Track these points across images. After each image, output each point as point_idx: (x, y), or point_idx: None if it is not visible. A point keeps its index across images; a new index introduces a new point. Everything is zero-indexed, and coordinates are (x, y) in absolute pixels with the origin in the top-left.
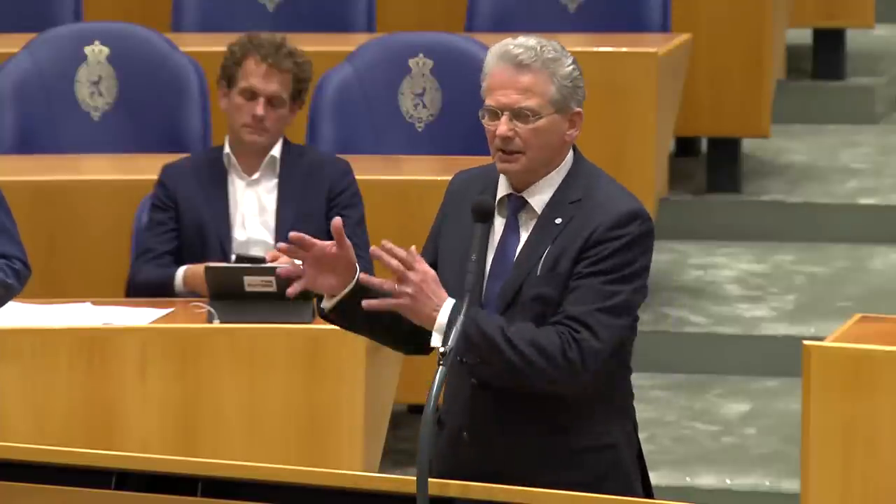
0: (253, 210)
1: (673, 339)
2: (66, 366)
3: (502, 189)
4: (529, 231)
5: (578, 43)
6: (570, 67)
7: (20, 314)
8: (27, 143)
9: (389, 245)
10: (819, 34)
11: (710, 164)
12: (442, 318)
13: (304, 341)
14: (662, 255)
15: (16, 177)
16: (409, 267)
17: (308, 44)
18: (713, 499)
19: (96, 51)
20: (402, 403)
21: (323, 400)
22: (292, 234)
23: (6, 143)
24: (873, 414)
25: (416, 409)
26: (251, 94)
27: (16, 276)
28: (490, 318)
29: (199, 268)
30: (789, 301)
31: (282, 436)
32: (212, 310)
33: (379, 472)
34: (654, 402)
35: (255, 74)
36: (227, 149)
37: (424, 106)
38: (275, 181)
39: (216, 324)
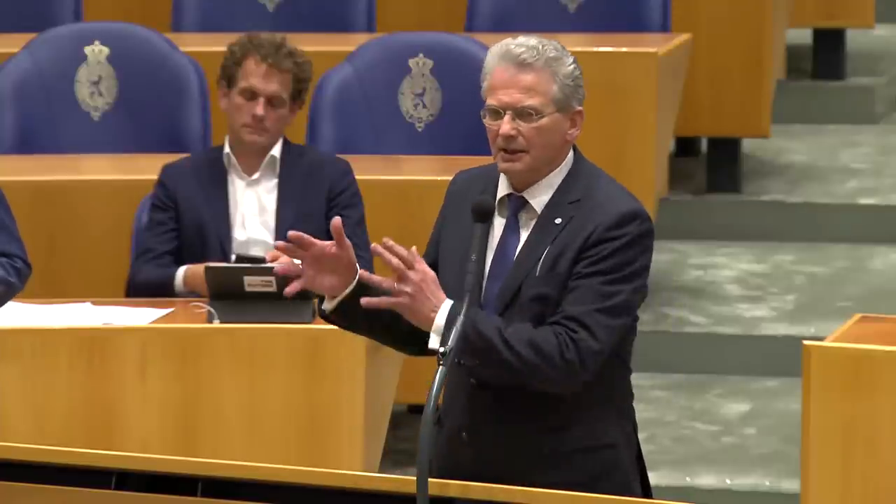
0: (253, 210)
1: (673, 339)
2: (66, 366)
3: (502, 189)
4: (529, 231)
5: (578, 43)
6: (572, 66)
7: (20, 314)
8: (27, 143)
9: (391, 243)
10: (819, 34)
11: (710, 164)
12: (440, 319)
13: (304, 341)
14: (662, 255)
15: (16, 177)
16: (410, 266)
17: (308, 44)
18: (713, 499)
19: (96, 51)
20: (402, 403)
21: (323, 400)
22: (291, 232)
23: (6, 143)
24: (873, 414)
25: (416, 409)
26: (251, 94)
27: (17, 274)
28: (488, 319)
29: (199, 268)
30: (789, 301)
31: (282, 436)
32: (212, 310)
33: (379, 472)
34: (654, 402)
35: (255, 74)
36: (227, 149)
37: (424, 106)
38: (275, 181)
39: (216, 324)
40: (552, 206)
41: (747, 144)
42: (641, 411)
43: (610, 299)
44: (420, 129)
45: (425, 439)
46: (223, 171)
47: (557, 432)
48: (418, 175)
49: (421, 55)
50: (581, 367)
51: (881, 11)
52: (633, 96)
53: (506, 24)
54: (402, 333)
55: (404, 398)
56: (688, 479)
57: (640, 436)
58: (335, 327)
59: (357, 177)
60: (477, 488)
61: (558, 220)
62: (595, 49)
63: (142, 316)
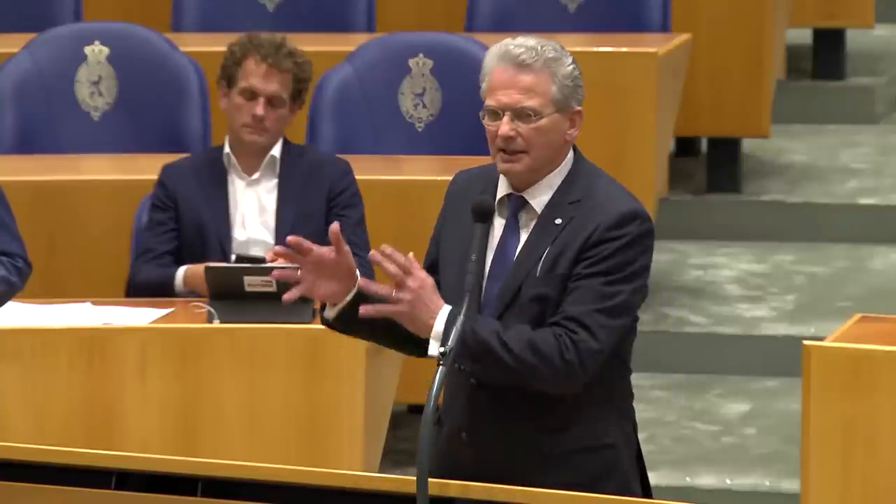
0: (253, 210)
1: (673, 339)
2: (66, 366)
3: (502, 189)
4: (529, 231)
5: (578, 43)
6: (571, 67)
7: (20, 314)
8: (27, 143)
9: (389, 250)
10: (819, 34)
11: (710, 164)
12: (438, 325)
13: (304, 341)
14: (662, 255)
15: (16, 177)
16: (408, 272)
17: (308, 44)
18: (713, 499)
19: (96, 51)
20: (402, 403)
21: (323, 400)
22: (290, 238)
23: (6, 143)
24: (873, 414)
25: (416, 409)
26: (251, 94)
27: (18, 273)
28: (486, 323)
29: (199, 268)
30: (789, 301)
31: (282, 436)
32: (212, 310)
33: (379, 472)
34: (654, 402)
35: (255, 74)
36: (227, 149)
37: (424, 106)
38: (275, 181)
39: (216, 324)
40: (552, 207)
41: (747, 144)
42: (641, 411)
43: (610, 300)
44: (420, 129)
45: (425, 439)
46: (223, 171)
47: (557, 432)
48: (418, 175)
49: (421, 55)
50: (581, 367)
51: (881, 11)
52: (633, 96)
53: (506, 24)
54: (405, 336)
55: (404, 398)
56: (688, 479)
57: (640, 436)
58: None
59: (357, 177)
60: (477, 488)
61: (558, 221)
62: (595, 49)
63: (142, 316)
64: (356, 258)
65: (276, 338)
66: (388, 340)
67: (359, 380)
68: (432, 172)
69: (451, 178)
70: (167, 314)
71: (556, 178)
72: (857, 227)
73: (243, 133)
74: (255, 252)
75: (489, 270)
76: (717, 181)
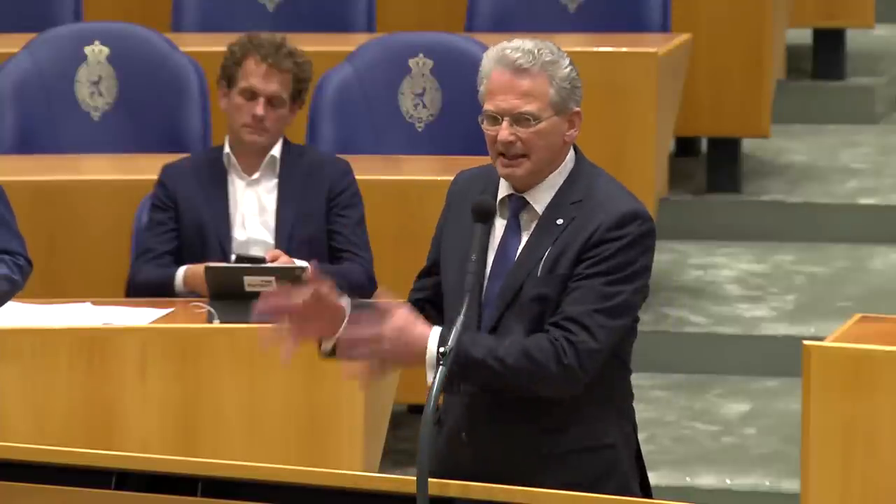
0: (253, 210)
1: (673, 339)
2: (66, 366)
3: (503, 190)
4: (530, 232)
5: (578, 43)
6: (568, 69)
7: (20, 314)
8: (27, 143)
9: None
10: (819, 34)
11: (710, 164)
12: (430, 353)
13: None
14: (662, 255)
15: (16, 177)
16: (374, 340)
17: (308, 44)
18: (713, 499)
19: (96, 51)
20: (402, 403)
21: (323, 400)
22: (261, 305)
23: (6, 143)
24: (873, 414)
25: (416, 409)
26: (251, 94)
27: (20, 272)
28: (478, 341)
29: (199, 268)
30: (789, 301)
31: (282, 436)
32: (212, 310)
33: (379, 472)
34: (654, 402)
35: (255, 74)
36: (227, 149)
37: (424, 106)
38: (275, 181)
39: (216, 324)
40: (553, 207)
41: (747, 144)
42: (641, 411)
43: (610, 300)
44: (420, 129)
45: (425, 439)
46: (223, 171)
47: (557, 433)
48: (418, 175)
49: (421, 55)
50: (581, 369)
51: (881, 11)
52: (633, 96)
53: (506, 24)
54: None
55: (404, 398)
56: (688, 479)
57: (640, 436)
58: None
59: (357, 177)
60: (477, 488)
61: (560, 221)
62: (595, 49)
63: (142, 316)
64: (355, 258)
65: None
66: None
67: None
68: (432, 172)
69: (451, 178)
70: (167, 314)
71: (557, 178)
72: (857, 227)
73: (243, 133)
74: (255, 252)
75: (490, 270)
76: (717, 181)
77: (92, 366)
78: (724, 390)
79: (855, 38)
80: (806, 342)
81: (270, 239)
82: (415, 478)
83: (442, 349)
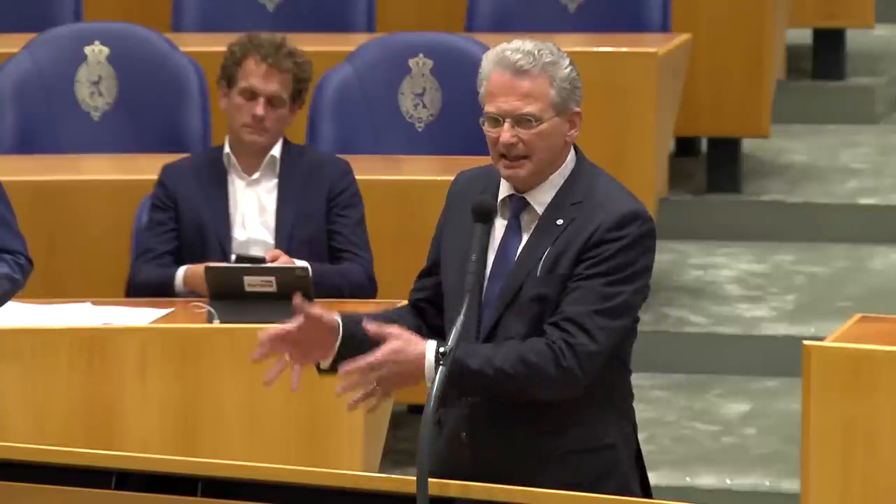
0: (253, 210)
1: (673, 339)
2: (66, 366)
3: (504, 190)
4: (531, 232)
5: (578, 43)
6: (568, 69)
7: (20, 314)
8: (27, 143)
9: (346, 367)
10: (819, 34)
11: (710, 164)
12: (429, 367)
13: None
14: (662, 255)
15: (16, 177)
16: (372, 366)
17: (308, 44)
18: (713, 499)
19: (96, 51)
20: (402, 403)
21: (323, 400)
22: (262, 335)
23: (6, 143)
24: (873, 414)
25: (416, 409)
26: (251, 94)
27: (21, 271)
28: (475, 352)
29: (199, 268)
30: (789, 301)
31: (282, 436)
32: (212, 310)
33: (379, 472)
34: (654, 402)
35: (255, 74)
36: (227, 149)
37: (424, 106)
38: (275, 181)
39: (216, 324)
40: (554, 208)
41: (747, 144)
42: (641, 411)
43: (610, 300)
44: (420, 129)
45: (425, 439)
46: (223, 171)
47: (557, 433)
48: (418, 175)
49: (421, 55)
50: (580, 371)
51: (881, 11)
52: (633, 96)
53: (506, 25)
54: None
55: (404, 398)
56: (688, 479)
57: (640, 436)
58: None
59: (357, 177)
60: (477, 488)
61: (560, 221)
62: (595, 49)
63: (142, 316)
64: (356, 258)
65: None
66: None
67: None
68: (432, 172)
69: (451, 178)
70: (167, 314)
71: (558, 178)
72: (857, 227)
73: (243, 133)
74: (255, 252)
75: (490, 270)
76: (717, 181)
77: (92, 366)
78: (724, 390)
79: (855, 38)
80: (806, 342)
81: (270, 239)
82: (415, 478)
83: (442, 349)
